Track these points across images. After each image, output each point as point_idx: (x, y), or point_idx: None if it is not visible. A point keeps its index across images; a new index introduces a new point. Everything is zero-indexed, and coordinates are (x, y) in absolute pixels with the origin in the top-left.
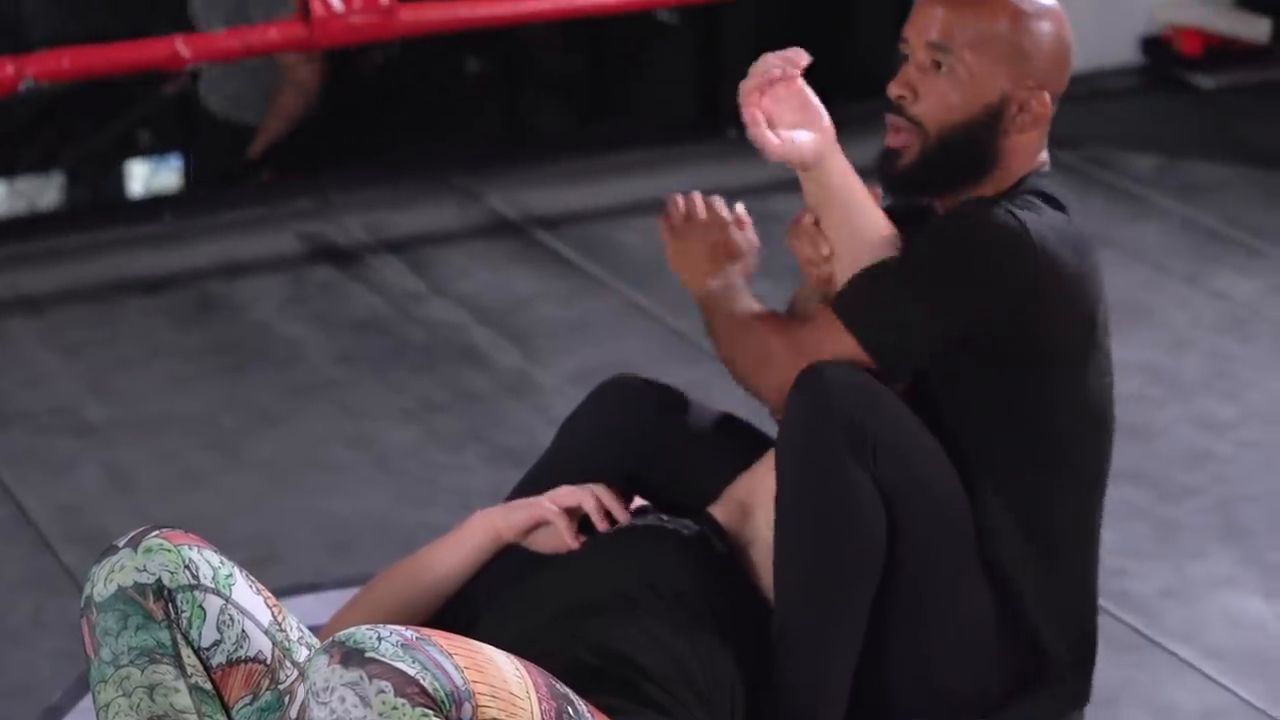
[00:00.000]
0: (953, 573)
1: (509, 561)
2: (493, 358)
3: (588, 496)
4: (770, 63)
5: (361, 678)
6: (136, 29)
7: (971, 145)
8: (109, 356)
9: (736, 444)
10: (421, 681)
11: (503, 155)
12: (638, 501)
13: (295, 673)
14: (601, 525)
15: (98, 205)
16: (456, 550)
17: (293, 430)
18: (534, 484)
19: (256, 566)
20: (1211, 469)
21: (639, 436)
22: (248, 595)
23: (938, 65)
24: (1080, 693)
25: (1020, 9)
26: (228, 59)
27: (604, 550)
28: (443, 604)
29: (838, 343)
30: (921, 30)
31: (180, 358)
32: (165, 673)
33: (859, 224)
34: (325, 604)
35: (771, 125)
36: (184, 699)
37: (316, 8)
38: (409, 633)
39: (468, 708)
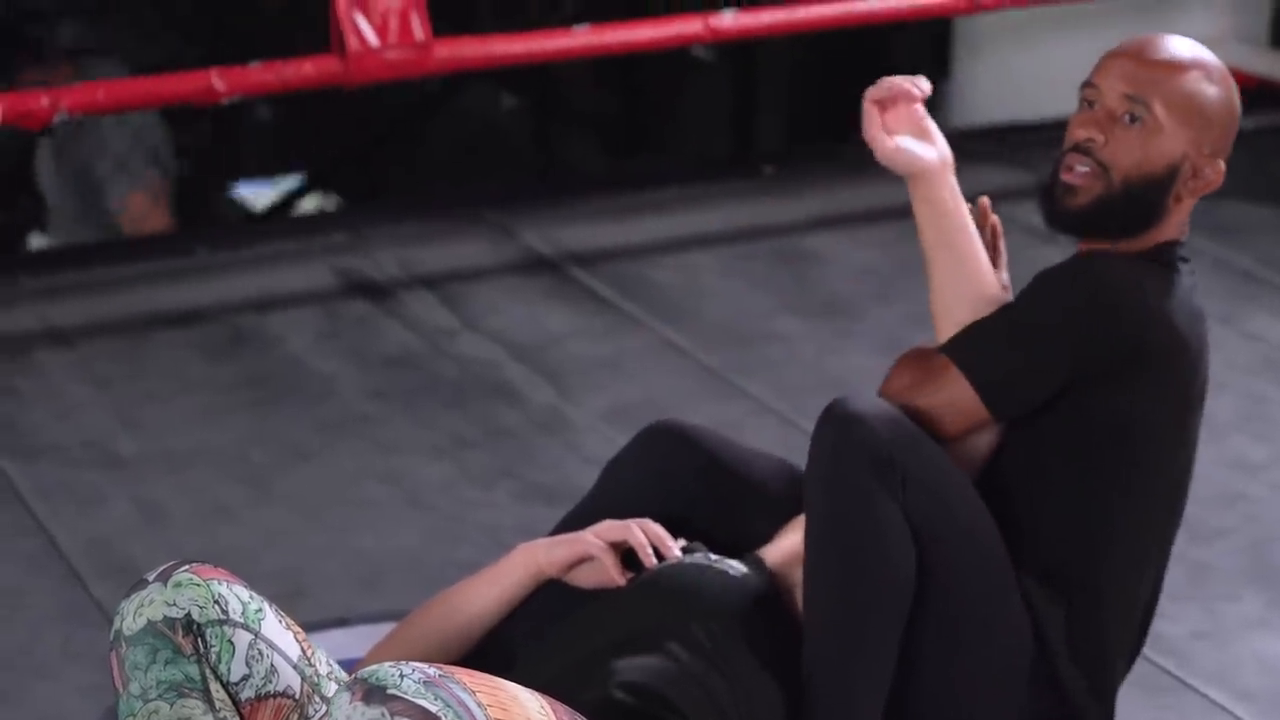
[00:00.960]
0: (988, 608)
1: (549, 597)
2: (525, 394)
3: (635, 531)
4: (897, 79)
5: (384, 714)
6: (172, 62)
7: (1147, 200)
8: (140, 390)
9: (784, 488)
10: (443, 718)
11: (537, 191)
12: (682, 541)
13: (324, 707)
14: (649, 561)
15: (130, 238)
16: (495, 585)
17: (323, 465)
18: (575, 526)
19: (285, 601)
20: (1244, 510)
21: (685, 481)
22: (277, 630)
23: (1131, 117)
24: None
25: (1208, 72)
26: (262, 93)
27: (648, 587)
28: (480, 639)
29: (949, 383)
30: (1115, 80)
31: (211, 391)
32: (194, 707)
33: (962, 246)
34: (354, 639)
35: (888, 133)
36: None
37: (352, 43)
38: (432, 670)
39: None
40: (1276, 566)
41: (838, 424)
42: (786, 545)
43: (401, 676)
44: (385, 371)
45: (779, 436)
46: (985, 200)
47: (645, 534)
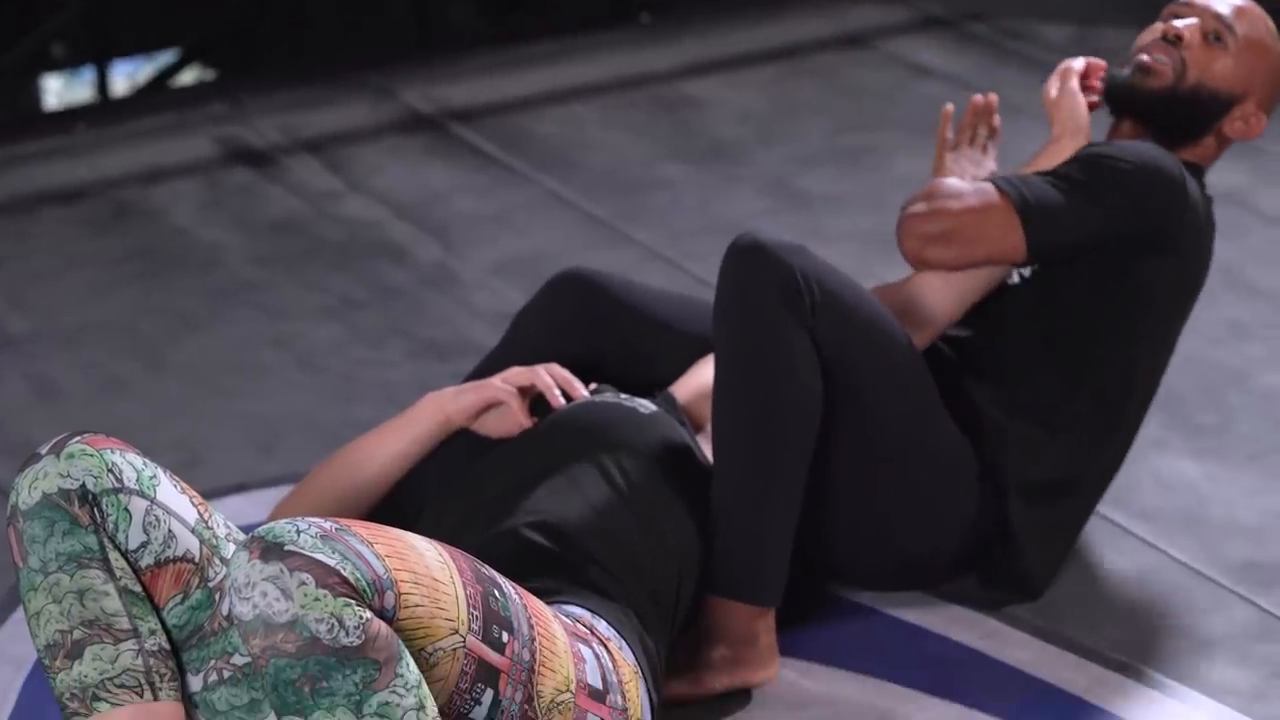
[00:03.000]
0: (906, 430)
1: (458, 446)
2: (412, 253)
3: (541, 374)
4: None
5: (282, 571)
6: None
7: (1202, 113)
8: (27, 268)
9: (693, 326)
10: (342, 571)
11: (416, 51)
12: (592, 385)
13: (224, 569)
14: (556, 402)
15: (12, 119)
16: (402, 435)
17: (214, 334)
18: (485, 377)
19: (184, 470)
20: None
21: (593, 327)
22: (173, 495)
23: (1216, 36)
24: (1038, 588)
25: (1277, 35)
26: None
27: (556, 427)
28: (388, 489)
29: (998, 213)
30: (1210, 5)
31: (99, 266)
32: (94, 577)
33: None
34: (254, 504)
35: None
36: (114, 602)
37: None
38: (328, 524)
39: (390, 595)
40: (1172, 389)
41: (743, 255)
42: (697, 381)
43: (298, 532)
44: (271, 237)
45: (669, 281)
46: (994, 98)
47: (552, 377)
